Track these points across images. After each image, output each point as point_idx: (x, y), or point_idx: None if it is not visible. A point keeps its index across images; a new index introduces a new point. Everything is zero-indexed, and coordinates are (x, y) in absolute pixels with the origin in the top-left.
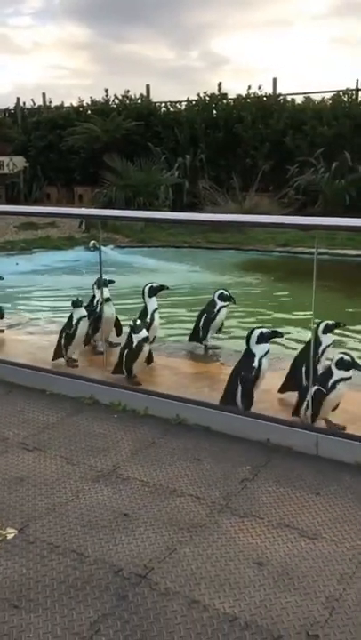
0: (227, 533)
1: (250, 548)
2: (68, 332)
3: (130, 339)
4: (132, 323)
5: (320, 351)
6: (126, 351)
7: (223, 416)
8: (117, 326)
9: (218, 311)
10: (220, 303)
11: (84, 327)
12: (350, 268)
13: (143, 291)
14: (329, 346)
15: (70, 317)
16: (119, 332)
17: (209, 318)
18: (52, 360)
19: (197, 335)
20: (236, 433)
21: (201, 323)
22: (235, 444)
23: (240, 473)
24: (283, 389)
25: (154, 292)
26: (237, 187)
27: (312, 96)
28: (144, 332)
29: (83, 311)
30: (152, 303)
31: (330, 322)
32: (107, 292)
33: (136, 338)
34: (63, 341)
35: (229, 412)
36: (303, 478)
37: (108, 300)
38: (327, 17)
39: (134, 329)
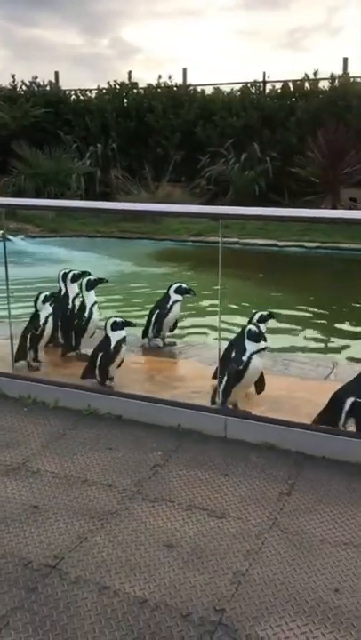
0: (138, 519)
1: (160, 531)
2: (34, 333)
3: (107, 338)
4: (108, 320)
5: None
6: (101, 353)
7: (134, 404)
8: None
9: (171, 306)
10: (174, 297)
11: (51, 326)
12: (258, 256)
13: (81, 284)
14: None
15: (36, 315)
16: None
17: (162, 314)
18: (16, 362)
19: (147, 330)
20: (147, 420)
21: (153, 318)
22: (146, 431)
23: (151, 459)
24: (215, 376)
25: (92, 285)
26: (150, 176)
27: (221, 87)
28: (123, 332)
29: (49, 308)
30: (90, 297)
31: (264, 312)
32: (93, 296)
33: (114, 338)
34: (29, 342)
35: (140, 400)
36: (212, 460)
37: (95, 303)
38: (235, 9)
39: (112, 326)
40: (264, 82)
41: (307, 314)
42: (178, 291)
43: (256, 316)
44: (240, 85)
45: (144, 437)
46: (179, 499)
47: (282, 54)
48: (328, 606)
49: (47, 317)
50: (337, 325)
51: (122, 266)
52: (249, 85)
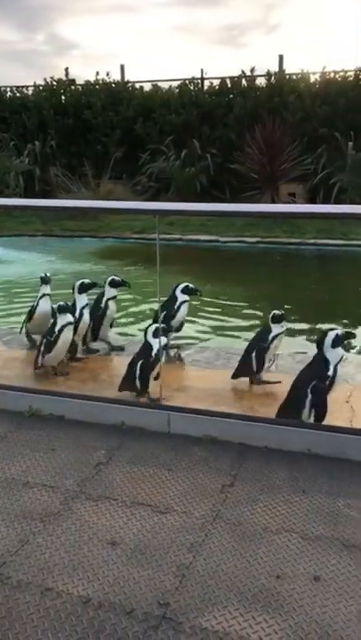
0: (81, 518)
1: (104, 529)
2: (48, 339)
3: (147, 345)
4: (149, 327)
5: (270, 338)
6: (141, 361)
7: (77, 404)
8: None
9: (179, 307)
10: (181, 297)
11: (67, 335)
12: (201, 251)
13: (73, 287)
14: (278, 335)
15: (53, 324)
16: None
17: (169, 315)
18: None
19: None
20: (91, 419)
21: (160, 320)
22: (90, 430)
23: (95, 458)
24: (235, 376)
25: (84, 288)
26: (90, 174)
27: (160, 84)
28: (164, 339)
29: (69, 317)
30: (82, 300)
31: (278, 312)
32: (84, 299)
33: (156, 345)
34: (42, 348)
35: (83, 399)
36: (156, 456)
37: (86, 305)
38: (172, 5)
39: (154, 333)
40: (202, 78)
41: (244, 307)
42: (185, 291)
43: (271, 315)
44: (178, 82)
45: (87, 437)
46: (122, 496)
47: (219, 51)
48: (270, 592)
49: (63, 326)
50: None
51: (63, 264)
52: (187, 82)
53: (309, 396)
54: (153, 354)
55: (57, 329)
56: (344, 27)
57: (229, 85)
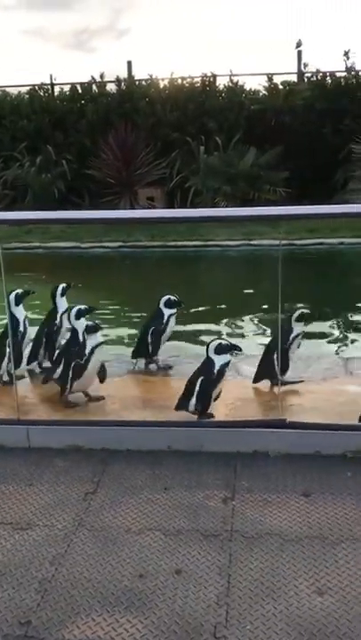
0: None
1: None
2: (78, 362)
3: (209, 362)
4: (212, 342)
5: (291, 338)
6: (202, 378)
7: None
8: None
9: (167, 321)
10: (167, 311)
11: (98, 357)
12: (61, 259)
13: (69, 314)
14: (300, 334)
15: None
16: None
17: (158, 330)
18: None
19: (145, 350)
20: None
21: (149, 336)
22: None
23: None
24: (256, 380)
25: (81, 314)
26: None
27: (9, 90)
28: (228, 356)
29: (99, 337)
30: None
31: (304, 311)
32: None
33: (218, 361)
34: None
35: None
36: (16, 473)
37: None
38: (17, 8)
39: (216, 350)
40: (52, 84)
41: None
42: (168, 304)
43: (295, 314)
44: (28, 88)
45: None
46: None
47: (69, 56)
48: (133, 593)
49: (93, 348)
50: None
51: None
52: (37, 88)
53: (197, 389)
54: (216, 371)
55: (87, 351)
56: (192, 33)
57: (80, 91)
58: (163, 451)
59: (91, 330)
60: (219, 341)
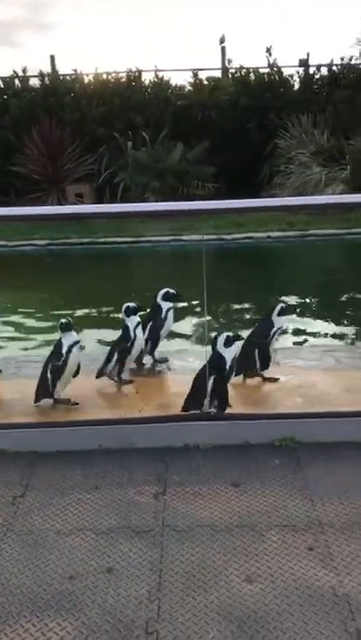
0: None
1: None
2: (55, 364)
3: (218, 356)
4: (220, 336)
5: (271, 333)
6: (215, 375)
7: None
8: None
9: (166, 315)
10: (166, 305)
11: (76, 355)
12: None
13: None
14: (280, 328)
15: (59, 345)
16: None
17: (157, 325)
18: (35, 403)
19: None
20: None
21: (147, 332)
22: None
23: None
24: (237, 373)
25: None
26: None
27: None
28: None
29: (74, 336)
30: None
31: (284, 305)
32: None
33: (229, 355)
34: (50, 376)
35: None
36: None
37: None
38: None
39: (225, 343)
40: None
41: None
42: (166, 297)
43: (277, 308)
44: None
45: None
46: None
47: None
48: (63, 595)
49: (70, 347)
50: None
51: None
52: None
53: (210, 388)
54: (228, 366)
55: (64, 350)
56: (116, 28)
57: (2, 86)
58: (94, 450)
59: (65, 328)
60: (226, 334)
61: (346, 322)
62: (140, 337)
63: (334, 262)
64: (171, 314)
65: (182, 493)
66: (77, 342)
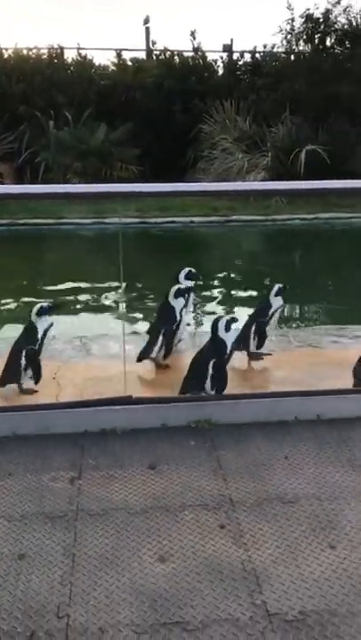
0: None
1: None
2: (32, 349)
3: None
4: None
5: (270, 313)
6: (214, 360)
7: None
8: None
9: (188, 295)
10: (186, 283)
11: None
12: None
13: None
14: (278, 309)
15: (32, 329)
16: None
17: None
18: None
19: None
20: None
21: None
22: None
23: None
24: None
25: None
26: None
27: None
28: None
29: (49, 320)
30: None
31: (280, 285)
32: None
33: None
34: (24, 361)
35: None
36: None
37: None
38: None
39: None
40: None
41: None
42: (189, 276)
43: (274, 289)
44: None
45: None
46: None
47: None
48: None
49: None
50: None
51: None
52: None
53: (210, 371)
54: (228, 350)
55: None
56: (38, 3)
57: None
58: (7, 437)
59: (42, 312)
60: (226, 318)
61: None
62: (184, 319)
63: (254, 247)
64: (192, 294)
65: (98, 477)
66: (51, 325)
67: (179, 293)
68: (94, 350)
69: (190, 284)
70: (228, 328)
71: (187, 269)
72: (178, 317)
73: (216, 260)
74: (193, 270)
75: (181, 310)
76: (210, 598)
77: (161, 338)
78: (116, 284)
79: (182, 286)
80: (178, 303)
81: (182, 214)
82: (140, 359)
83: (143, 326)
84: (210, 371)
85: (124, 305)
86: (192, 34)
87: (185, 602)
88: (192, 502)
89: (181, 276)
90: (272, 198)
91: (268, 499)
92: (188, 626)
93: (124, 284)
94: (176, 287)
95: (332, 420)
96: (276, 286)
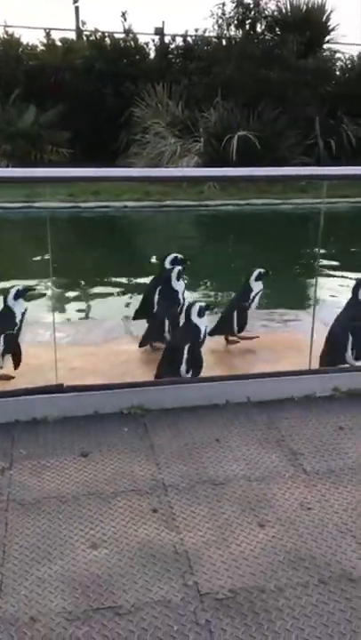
0: None
1: None
2: (10, 333)
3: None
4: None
5: (251, 297)
6: (188, 344)
7: None
8: None
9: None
10: (176, 269)
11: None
12: None
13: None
14: (259, 292)
15: (10, 313)
16: None
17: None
18: None
19: (151, 310)
20: None
21: (156, 297)
22: None
23: None
24: (212, 333)
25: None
26: None
27: None
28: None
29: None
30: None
31: (261, 270)
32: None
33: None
34: (2, 346)
35: None
36: None
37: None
38: None
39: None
40: None
41: None
42: (175, 262)
43: (254, 274)
44: None
45: None
46: None
47: None
48: None
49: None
50: None
51: None
52: None
53: (186, 355)
54: (202, 335)
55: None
56: None
57: None
58: None
59: (19, 295)
60: (198, 305)
61: (204, 289)
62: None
63: (188, 232)
64: (182, 279)
65: (29, 467)
66: (26, 309)
67: (179, 276)
68: (25, 338)
69: (179, 267)
70: (200, 314)
71: (173, 255)
72: (181, 300)
73: (151, 244)
74: (179, 256)
75: (183, 292)
76: (142, 582)
77: (167, 322)
78: (46, 270)
79: (181, 268)
80: (180, 286)
81: (116, 199)
82: (142, 345)
83: (74, 314)
84: (185, 355)
85: (54, 291)
86: (123, 15)
87: (117, 586)
88: (125, 488)
89: (167, 261)
90: (205, 184)
91: (199, 481)
92: (121, 610)
93: (52, 269)
94: (176, 270)
95: (262, 403)
96: (257, 271)
